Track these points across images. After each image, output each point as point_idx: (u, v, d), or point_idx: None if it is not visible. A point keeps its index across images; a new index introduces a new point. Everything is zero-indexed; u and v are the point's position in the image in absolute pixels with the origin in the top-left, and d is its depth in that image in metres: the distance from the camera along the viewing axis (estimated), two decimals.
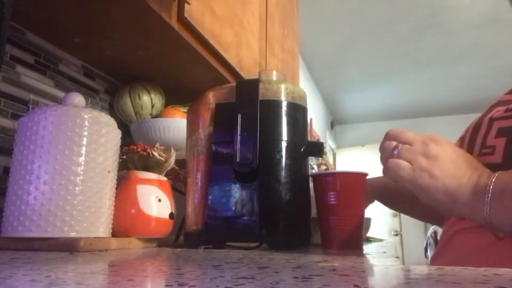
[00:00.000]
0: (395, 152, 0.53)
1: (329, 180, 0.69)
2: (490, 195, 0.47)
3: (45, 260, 0.43)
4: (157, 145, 0.81)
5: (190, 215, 0.71)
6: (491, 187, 0.47)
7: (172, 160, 0.80)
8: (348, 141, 5.77)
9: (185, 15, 0.82)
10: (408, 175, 0.52)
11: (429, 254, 1.88)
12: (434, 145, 0.52)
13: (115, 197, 0.68)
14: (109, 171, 0.66)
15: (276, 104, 0.71)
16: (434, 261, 0.60)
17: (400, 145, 0.54)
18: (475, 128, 0.57)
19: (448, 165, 0.50)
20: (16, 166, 0.61)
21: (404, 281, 0.30)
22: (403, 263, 0.58)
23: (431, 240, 1.86)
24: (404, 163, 0.52)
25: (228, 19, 1.06)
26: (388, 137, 0.56)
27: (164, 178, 0.77)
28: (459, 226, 0.55)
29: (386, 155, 0.55)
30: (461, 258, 0.53)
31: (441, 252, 0.59)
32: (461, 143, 0.59)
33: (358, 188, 0.69)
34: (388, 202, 0.84)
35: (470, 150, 0.56)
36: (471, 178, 0.49)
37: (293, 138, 0.71)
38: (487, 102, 0.64)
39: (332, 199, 0.67)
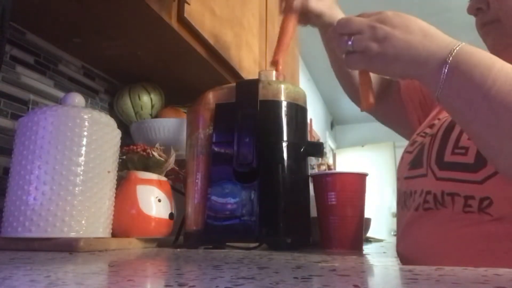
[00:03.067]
0: (349, 43, 0.53)
1: (329, 180, 0.69)
2: (446, 71, 0.47)
3: (45, 260, 0.43)
4: (157, 145, 0.81)
5: (190, 215, 0.71)
6: (449, 63, 0.47)
7: (172, 160, 0.80)
8: (348, 141, 5.77)
9: (185, 15, 0.82)
10: (367, 65, 0.53)
11: None
12: (381, 26, 0.51)
13: (115, 198, 0.68)
14: (109, 171, 0.66)
15: (276, 104, 0.71)
16: (398, 245, 0.65)
17: (352, 37, 0.53)
18: (449, 127, 0.59)
19: (400, 42, 0.50)
20: (16, 166, 0.61)
21: (404, 281, 0.30)
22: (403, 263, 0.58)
23: None
24: (358, 56, 0.53)
25: (228, 19, 1.06)
26: (337, 28, 0.55)
27: (164, 178, 0.77)
28: (417, 214, 0.59)
29: (342, 50, 0.55)
30: (420, 242, 0.57)
31: (403, 237, 0.63)
32: (431, 139, 0.60)
33: (358, 188, 0.69)
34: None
35: (442, 147, 0.57)
36: (426, 49, 0.49)
37: (293, 138, 0.71)
38: None
39: (332, 199, 0.67)
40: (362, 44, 0.52)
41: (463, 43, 0.49)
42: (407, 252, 0.61)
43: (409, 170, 0.65)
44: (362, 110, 0.60)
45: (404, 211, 0.65)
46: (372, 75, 0.67)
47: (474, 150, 0.53)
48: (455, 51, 0.47)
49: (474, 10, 0.64)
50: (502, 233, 0.50)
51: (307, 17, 0.76)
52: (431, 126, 0.66)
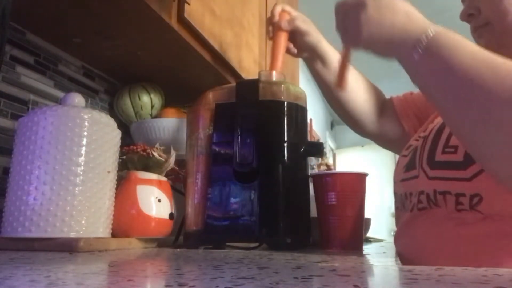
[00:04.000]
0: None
1: (329, 180, 0.69)
2: (420, 53, 0.50)
3: (45, 261, 0.43)
4: (157, 145, 0.81)
5: (190, 215, 0.71)
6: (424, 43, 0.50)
7: (172, 160, 0.80)
8: (348, 141, 5.77)
9: (185, 15, 0.82)
10: (355, 42, 0.58)
11: None
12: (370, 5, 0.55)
13: (115, 198, 0.68)
14: (109, 172, 0.66)
15: (276, 104, 0.71)
16: (396, 243, 0.67)
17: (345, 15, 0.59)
18: (439, 130, 0.60)
19: (386, 21, 0.54)
20: (16, 167, 0.61)
21: (404, 281, 0.30)
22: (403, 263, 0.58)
23: None
24: (349, 35, 0.58)
25: (228, 19, 1.06)
26: (336, 5, 0.61)
27: (164, 179, 0.77)
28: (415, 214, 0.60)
29: (339, 27, 0.60)
30: (416, 242, 0.59)
31: (400, 236, 0.65)
32: (423, 141, 0.63)
33: (358, 188, 0.69)
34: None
35: (433, 147, 0.59)
36: (406, 29, 0.53)
37: (293, 138, 0.71)
38: None
39: (332, 199, 0.67)
40: (352, 21, 0.56)
41: (440, 26, 0.52)
42: (405, 251, 0.62)
43: (404, 173, 0.66)
44: (335, 88, 0.68)
45: (401, 213, 0.66)
46: (365, 98, 0.80)
47: (463, 148, 0.54)
48: (430, 32, 0.51)
49: (466, 16, 0.66)
50: (494, 232, 0.51)
51: (294, 36, 0.82)
52: (425, 130, 0.67)
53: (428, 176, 0.59)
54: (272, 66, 0.78)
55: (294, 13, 0.81)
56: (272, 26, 0.80)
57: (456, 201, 0.54)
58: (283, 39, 0.80)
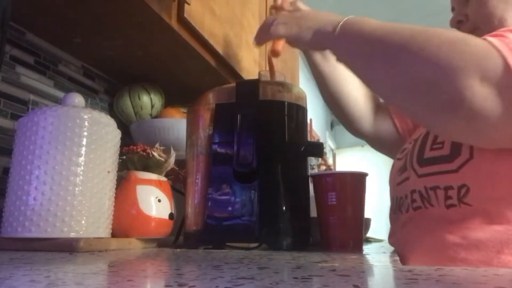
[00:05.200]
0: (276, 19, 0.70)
1: (329, 180, 0.69)
2: (337, 31, 0.59)
3: (45, 261, 0.43)
4: (157, 145, 0.81)
5: (190, 215, 0.71)
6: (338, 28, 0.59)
7: (172, 160, 0.80)
8: (348, 141, 5.77)
9: (185, 15, 0.82)
10: (286, 32, 0.67)
11: None
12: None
13: (115, 198, 0.68)
14: (108, 172, 0.66)
15: (276, 104, 0.71)
16: (390, 240, 0.70)
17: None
18: (428, 131, 0.63)
19: (310, 15, 0.66)
20: (16, 167, 0.61)
21: (404, 281, 0.30)
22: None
23: None
24: (281, 25, 0.68)
25: (228, 19, 1.06)
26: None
27: (164, 179, 0.77)
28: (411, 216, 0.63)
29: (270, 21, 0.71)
30: (412, 242, 0.61)
31: (397, 234, 0.67)
32: (414, 142, 0.65)
33: (358, 188, 0.69)
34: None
35: (422, 147, 0.62)
36: (326, 19, 0.62)
37: (293, 138, 0.71)
38: None
39: (332, 199, 0.67)
40: (284, 17, 0.68)
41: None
42: (400, 252, 0.63)
43: (398, 176, 0.69)
44: (270, 56, 0.72)
45: (397, 215, 0.68)
46: (360, 94, 0.85)
47: (449, 142, 0.56)
48: (344, 18, 0.59)
49: (455, 23, 0.69)
50: (489, 234, 0.52)
51: None
52: (417, 133, 0.69)
53: (418, 174, 0.61)
54: (274, 46, 0.76)
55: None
56: (275, 9, 0.80)
57: (445, 195, 0.55)
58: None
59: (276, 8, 0.80)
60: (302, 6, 0.79)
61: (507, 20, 0.62)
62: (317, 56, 0.85)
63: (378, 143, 0.90)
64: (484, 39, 0.47)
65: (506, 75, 0.43)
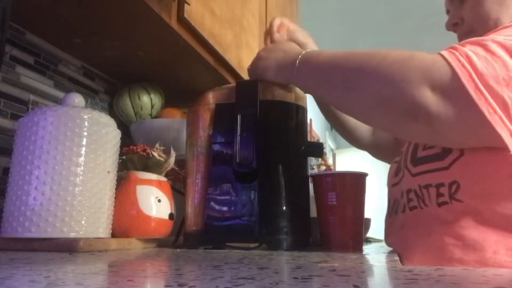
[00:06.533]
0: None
1: (329, 180, 0.69)
2: (296, 67, 0.65)
3: (45, 261, 0.43)
4: (157, 145, 0.81)
5: (189, 215, 0.71)
6: (297, 62, 0.65)
7: (172, 160, 0.80)
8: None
9: (185, 15, 0.82)
10: (259, 75, 0.74)
11: None
12: (263, 53, 0.75)
13: (115, 198, 0.68)
14: (108, 172, 0.66)
15: (276, 104, 0.71)
16: (387, 240, 0.73)
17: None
18: None
19: (270, 60, 0.72)
20: (16, 167, 0.61)
21: (404, 282, 0.30)
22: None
23: None
24: (251, 70, 0.77)
25: (228, 19, 1.06)
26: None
27: (164, 179, 0.77)
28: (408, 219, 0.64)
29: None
30: (408, 242, 0.62)
31: (394, 235, 0.69)
32: (408, 146, 0.67)
33: (358, 188, 0.69)
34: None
35: (416, 147, 0.63)
36: (285, 60, 0.69)
37: (293, 138, 0.70)
38: None
39: (332, 199, 0.67)
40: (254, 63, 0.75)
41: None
42: (400, 250, 0.63)
43: (394, 178, 0.70)
44: None
45: (393, 217, 0.70)
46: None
47: None
48: (302, 53, 0.66)
49: (451, 26, 0.71)
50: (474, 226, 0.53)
51: None
52: None
53: (411, 174, 0.62)
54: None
55: (293, 26, 0.83)
56: (270, 38, 0.81)
57: (437, 192, 0.57)
58: None
59: (271, 37, 0.81)
60: (300, 36, 0.82)
61: (502, 22, 0.62)
62: None
63: (378, 152, 0.94)
64: (437, 52, 0.51)
65: (453, 81, 0.48)
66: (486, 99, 0.46)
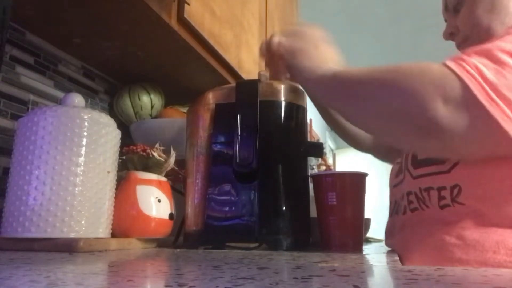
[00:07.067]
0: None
1: (329, 180, 0.69)
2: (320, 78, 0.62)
3: (45, 261, 0.43)
4: (157, 145, 0.81)
5: (189, 215, 0.71)
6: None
7: (172, 160, 0.80)
8: None
9: (185, 15, 0.82)
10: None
11: None
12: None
13: (115, 198, 0.68)
14: (108, 172, 0.66)
15: (276, 104, 0.71)
16: (387, 241, 0.73)
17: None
18: None
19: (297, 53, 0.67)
20: (16, 167, 0.61)
21: (404, 282, 0.30)
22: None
23: None
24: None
25: (228, 19, 1.06)
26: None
27: (163, 179, 0.77)
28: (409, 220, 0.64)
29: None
30: (409, 243, 0.61)
31: (394, 235, 0.69)
32: None
33: (358, 189, 0.69)
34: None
35: None
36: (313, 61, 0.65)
37: (293, 138, 0.71)
38: None
39: (332, 199, 0.67)
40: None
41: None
42: (400, 251, 0.63)
43: (395, 179, 0.71)
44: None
45: (393, 218, 0.70)
46: None
47: None
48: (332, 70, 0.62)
49: (448, 35, 0.72)
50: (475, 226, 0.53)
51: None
52: None
53: (412, 176, 0.63)
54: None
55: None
56: (268, 54, 0.77)
57: (439, 195, 0.57)
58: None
59: (269, 53, 0.73)
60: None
61: (494, 29, 0.64)
62: None
63: (380, 154, 0.96)
64: (443, 64, 0.50)
65: (464, 93, 0.47)
66: (498, 105, 0.46)
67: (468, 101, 0.47)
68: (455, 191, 0.55)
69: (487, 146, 0.50)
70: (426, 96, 0.49)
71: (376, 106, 0.55)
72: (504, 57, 0.48)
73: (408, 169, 0.64)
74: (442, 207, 0.57)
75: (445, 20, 0.73)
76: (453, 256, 0.53)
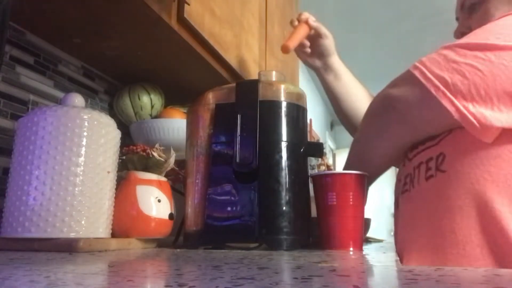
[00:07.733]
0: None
1: (329, 180, 0.69)
2: None
3: (45, 261, 0.43)
4: (157, 145, 0.81)
5: (189, 215, 0.71)
6: None
7: (172, 160, 0.80)
8: (348, 141, 5.74)
9: (185, 15, 0.82)
10: None
11: None
12: None
13: (115, 198, 0.68)
14: (108, 172, 0.66)
15: (276, 104, 0.71)
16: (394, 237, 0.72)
17: None
18: None
19: None
20: (16, 167, 0.61)
21: (404, 281, 0.30)
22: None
23: None
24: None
25: (228, 19, 1.06)
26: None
27: (163, 179, 0.77)
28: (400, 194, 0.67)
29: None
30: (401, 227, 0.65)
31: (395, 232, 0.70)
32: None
33: (358, 189, 0.69)
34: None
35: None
36: None
37: (292, 138, 0.71)
38: None
39: (332, 200, 0.67)
40: None
41: None
42: (399, 249, 0.64)
43: (397, 178, 0.71)
44: (281, 49, 0.87)
45: (395, 213, 0.70)
46: None
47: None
48: None
49: (459, 34, 0.74)
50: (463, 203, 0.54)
51: (314, 38, 0.96)
52: None
53: (408, 158, 0.64)
54: (286, 42, 0.87)
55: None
56: (298, 18, 0.92)
57: (426, 168, 0.59)
58: (304, 29, 0.92)
59: (299, 18, 0.92)
60: (323, 28, 0.93)
61: None
62: (330, 76, 0.96)
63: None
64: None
65: (406, 74, 0.59)
66: (429, 79, 0.56)
67: (407, 78, 0.59)
68: (440, 159, 0.58)
69: (429, 113, 0.57)
70: (384, 89, 0.63)
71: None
72: (444, 51, 0.57)
73: (407, 155, 0.66)
74: (427, 179, 0.58)
75: (457, 19, 0.73)
76: (447, 257, 0.54)
